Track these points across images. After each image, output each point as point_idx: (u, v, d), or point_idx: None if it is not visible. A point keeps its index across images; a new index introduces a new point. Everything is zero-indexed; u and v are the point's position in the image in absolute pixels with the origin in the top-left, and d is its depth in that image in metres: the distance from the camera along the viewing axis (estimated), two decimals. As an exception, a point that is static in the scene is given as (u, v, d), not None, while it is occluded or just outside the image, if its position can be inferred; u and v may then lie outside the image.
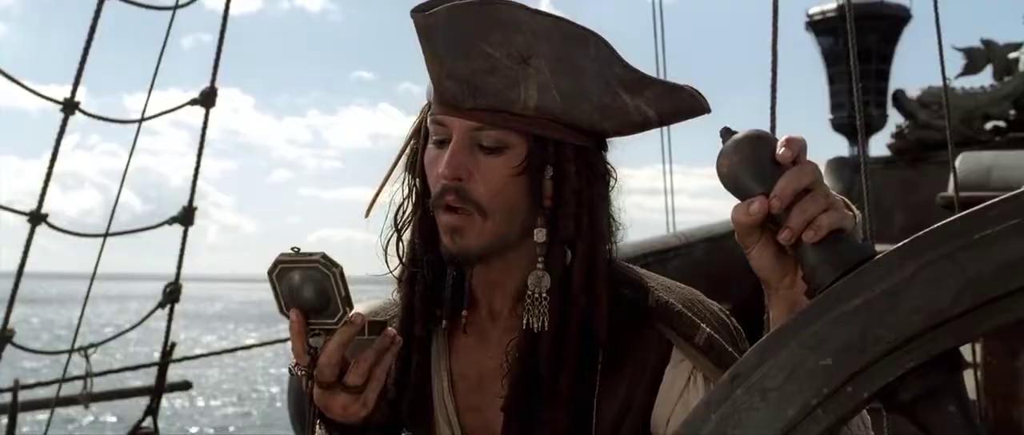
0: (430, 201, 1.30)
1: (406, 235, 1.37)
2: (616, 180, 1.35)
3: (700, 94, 1.30)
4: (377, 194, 1.38)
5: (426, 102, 1.35)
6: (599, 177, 1.31)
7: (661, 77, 1.36)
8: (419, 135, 1.36)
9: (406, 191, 1.37)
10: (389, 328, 1.23)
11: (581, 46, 1.26)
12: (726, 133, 1.03)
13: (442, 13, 1.24)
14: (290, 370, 1.23)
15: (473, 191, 1.26)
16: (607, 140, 1.35)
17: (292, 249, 1.17)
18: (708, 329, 1.29)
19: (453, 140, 1.27)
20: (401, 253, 1.37)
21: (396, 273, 1.39)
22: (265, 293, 1.18)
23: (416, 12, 1.26)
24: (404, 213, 1.37)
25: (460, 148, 1.27)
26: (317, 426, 1.30)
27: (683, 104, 1.30)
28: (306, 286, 1.17)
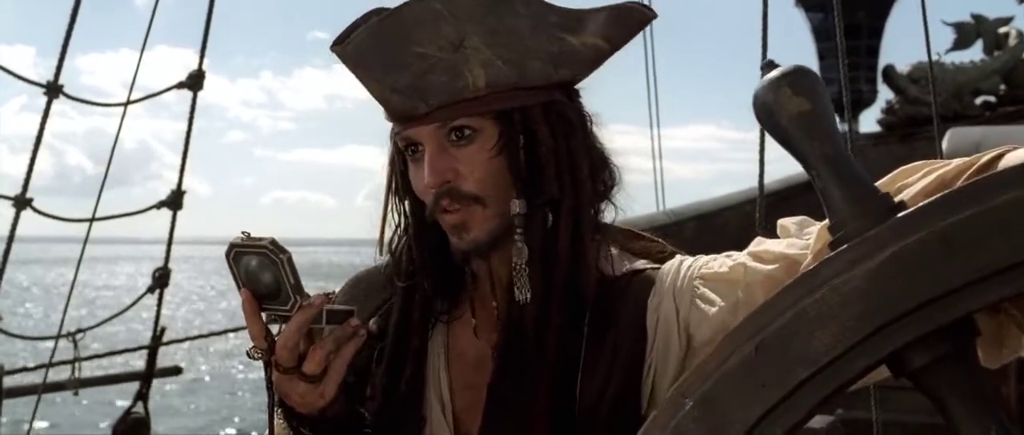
0: (427, 212, 1.29)
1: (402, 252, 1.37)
2: (593, 122, 1.33)
3: (643, 4, 1.29)
4: (382, 234, 1.38)
5: (391, 127, 1.33)
6: (574, 128, 1.29)
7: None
8: (395, 163, 1.35)
9: (397, 217, 1.36)
10: (353, 319, 1.21)
11: (507, 8, 1.24)
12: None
13: (361, 37, 1.23)
14: (248, 353, 1.21)
15: (463, 186, 1.26)
16: (578, 88, 1.33)
17: (243, 234, 1.16)
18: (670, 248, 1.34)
19: (426, 149, 1.26)
20: (399, 266, 1.37)
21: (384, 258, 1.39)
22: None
23: (336, 46, 1.25)
24: (400, 238, 1.37)
25: (435, 153, 1.26)
26: (277, 414, 1.28)
27: (629, 21, 1.29)
28: (264, 272, 1.16)
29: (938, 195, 0.63)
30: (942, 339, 0.64)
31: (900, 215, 0.64)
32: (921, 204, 0.63)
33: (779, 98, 0.74)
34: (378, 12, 1.24)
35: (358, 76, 1.27)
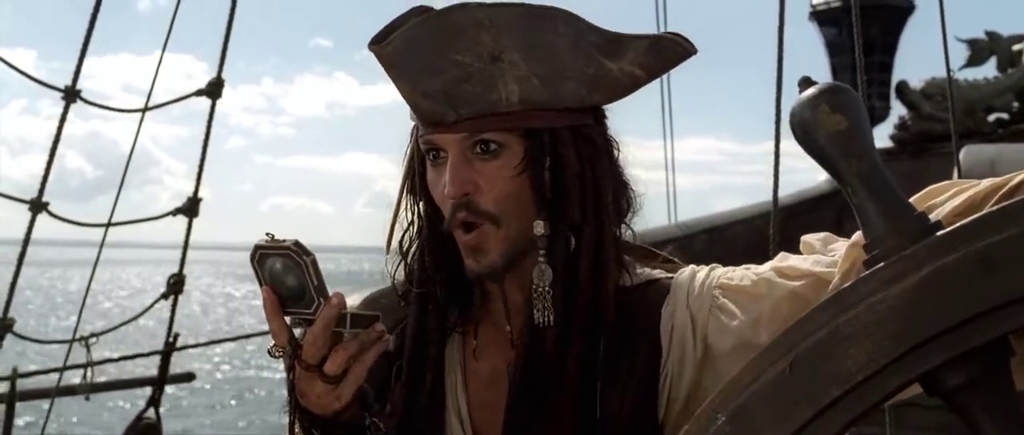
0: (445, 224, 1.28)
1: (414, 256, 1.36)
2: (619, 150, 1.32)
3: (683, 38, 1.28)
4: (392, 231, 1.37)
5: (414, 125, 1.32)
6: (601, 153, 1.28)
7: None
8: (414, 161, 1.34)
9: (411, 216, 1.35)
10: (378, 324, 1.20)
11: (548, 25, 1.23)
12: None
13: (400, 39, 1.22)
14: (269, 351, 1.21)
15: (481, 202, 1.25)
16: (605, 109, 1.32)
17: (267, 235, 1.16)
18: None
19: (450, 157, 1.25)
20: (412, 272, 1.35)
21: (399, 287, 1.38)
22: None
23: (374, 45, 1.24)
24: (411, 237, 1.36)
25: (458, 163, 1.24)
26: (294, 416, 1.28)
27: (669, 54, 1.28)
28: (288, 274, 1.16)
29: (975, 215, 0.63)
30: (978, 360, 0.64)
31: (937, 234, 0.65)
32: (959, 224, 0.63)
33: (817, 116, 0.74)
34: (419, 11, 1.23)
35: (391, 76, 1.25)
